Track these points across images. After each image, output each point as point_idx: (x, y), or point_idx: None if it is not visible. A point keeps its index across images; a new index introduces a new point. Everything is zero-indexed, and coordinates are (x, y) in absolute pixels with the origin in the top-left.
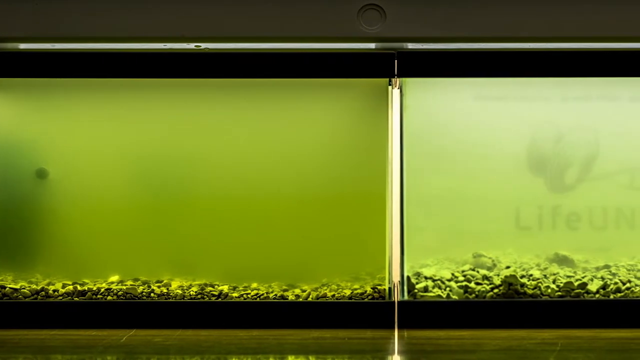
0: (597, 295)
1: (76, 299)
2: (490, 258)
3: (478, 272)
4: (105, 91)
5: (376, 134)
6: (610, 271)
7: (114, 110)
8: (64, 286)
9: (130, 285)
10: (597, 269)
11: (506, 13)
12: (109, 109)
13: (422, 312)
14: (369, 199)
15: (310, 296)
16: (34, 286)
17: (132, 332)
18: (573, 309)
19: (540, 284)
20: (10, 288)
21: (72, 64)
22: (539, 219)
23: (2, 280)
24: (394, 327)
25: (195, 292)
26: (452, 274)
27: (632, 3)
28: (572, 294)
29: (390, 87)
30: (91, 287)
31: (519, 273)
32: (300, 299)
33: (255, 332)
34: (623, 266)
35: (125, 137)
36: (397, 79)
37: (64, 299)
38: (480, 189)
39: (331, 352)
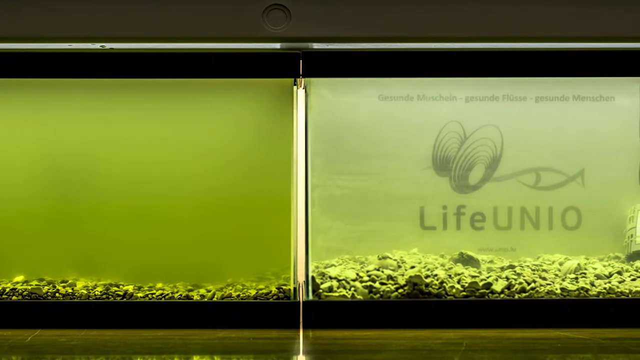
0: (501, 296)
1: None
2: (395, 260)
3: (383, 272)
4: (8, 91)
5: (281, 134)
6: (515, 271)
7: (19, 110)
8: None
9: (35, 285)
10: (502, 269)
11: (410, 13)
12: (13, 109)
13: (327, 312)
14: (274, 199)
15: (216, 296)
16: None
17: (37, 332)
18: (478, 309)
19: (445, 284)
20: None
21: None
22: (443, 219)
23: None
24: (299, 327)
25: (100, 292)
26: (357, 274)
27: (535, 4)
28: (477, 294)
29: (295, 87)
30: None
31: (424, 273)
32: (206, 299)
33: (160, 332)
34: (528, 266)
35: (29, 137)
36: (302, 79)
37: None
38: (385, 189)
39: (236, 352)
